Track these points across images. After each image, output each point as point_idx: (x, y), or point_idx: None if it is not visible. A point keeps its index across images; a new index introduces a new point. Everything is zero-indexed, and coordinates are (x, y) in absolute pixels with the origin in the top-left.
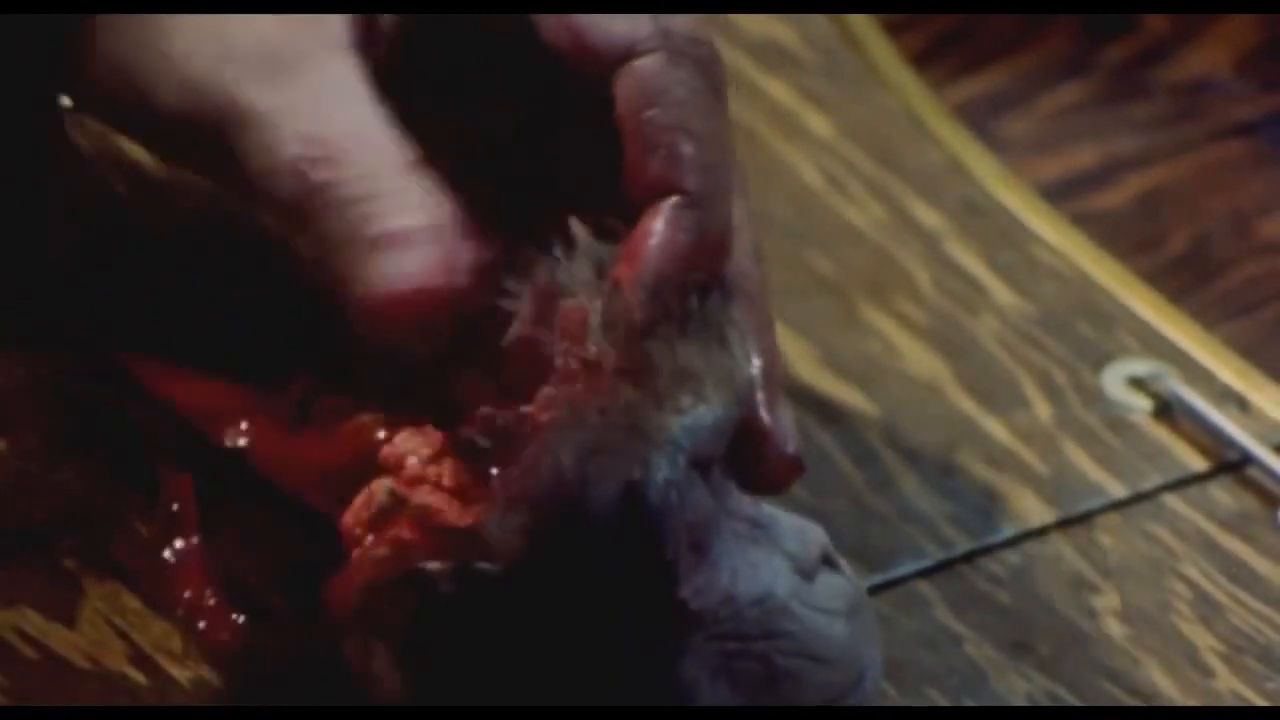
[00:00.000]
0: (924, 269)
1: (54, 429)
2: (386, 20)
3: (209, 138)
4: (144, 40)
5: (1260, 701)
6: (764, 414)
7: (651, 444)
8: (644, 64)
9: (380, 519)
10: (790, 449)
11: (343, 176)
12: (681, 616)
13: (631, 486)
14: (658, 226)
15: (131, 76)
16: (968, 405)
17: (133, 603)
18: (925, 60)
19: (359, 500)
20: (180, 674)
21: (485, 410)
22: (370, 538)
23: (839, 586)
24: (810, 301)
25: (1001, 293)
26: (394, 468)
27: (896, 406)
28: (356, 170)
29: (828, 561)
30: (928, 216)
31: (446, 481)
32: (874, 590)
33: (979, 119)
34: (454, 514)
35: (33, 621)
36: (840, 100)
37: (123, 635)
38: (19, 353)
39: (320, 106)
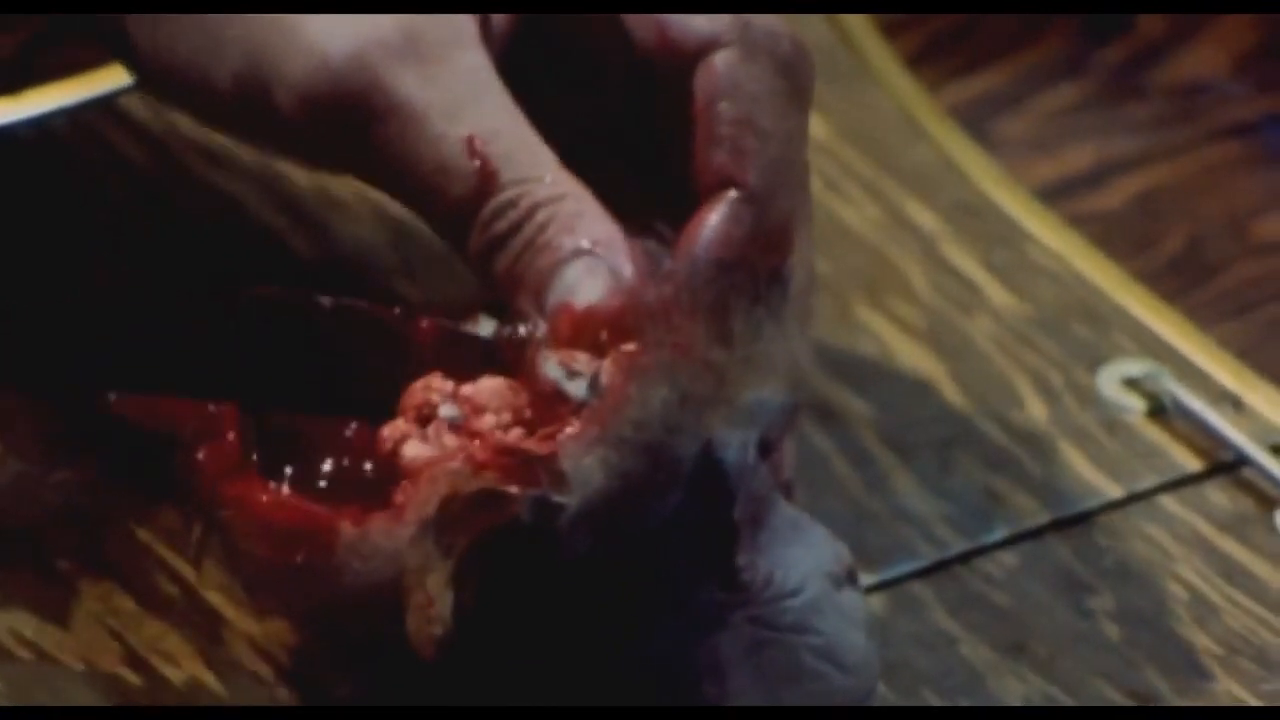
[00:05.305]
0: (919, 269)
1: (50, 429)
2: (497, 22)
3: (345, 123)
4: (272, 22)
5: (1256, 703)
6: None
7: (734, 407)
8: (721, 56)
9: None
10: (788, 474)
11: (518, 177)
12: (730, 585)
13: (713, 441)
14: (713, 219)
15: (257, 60)
16: (963, 405)
17: (126, 604)
18: (921, 61)
19: (409, 404)
20: (174, 675)
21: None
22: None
23: (860, 603)
24: None
25: (997, 293)
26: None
27: (891, 407)
28: (529, 172)
29: (851, 579)
30: (923, 217)
31: (518, 416)
32: (869, 591)
33: (975, 120)
34: (530, 442)
35: (26, 622)
36: (836, 101)
37: (117, 636)
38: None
39: (474, 103)
